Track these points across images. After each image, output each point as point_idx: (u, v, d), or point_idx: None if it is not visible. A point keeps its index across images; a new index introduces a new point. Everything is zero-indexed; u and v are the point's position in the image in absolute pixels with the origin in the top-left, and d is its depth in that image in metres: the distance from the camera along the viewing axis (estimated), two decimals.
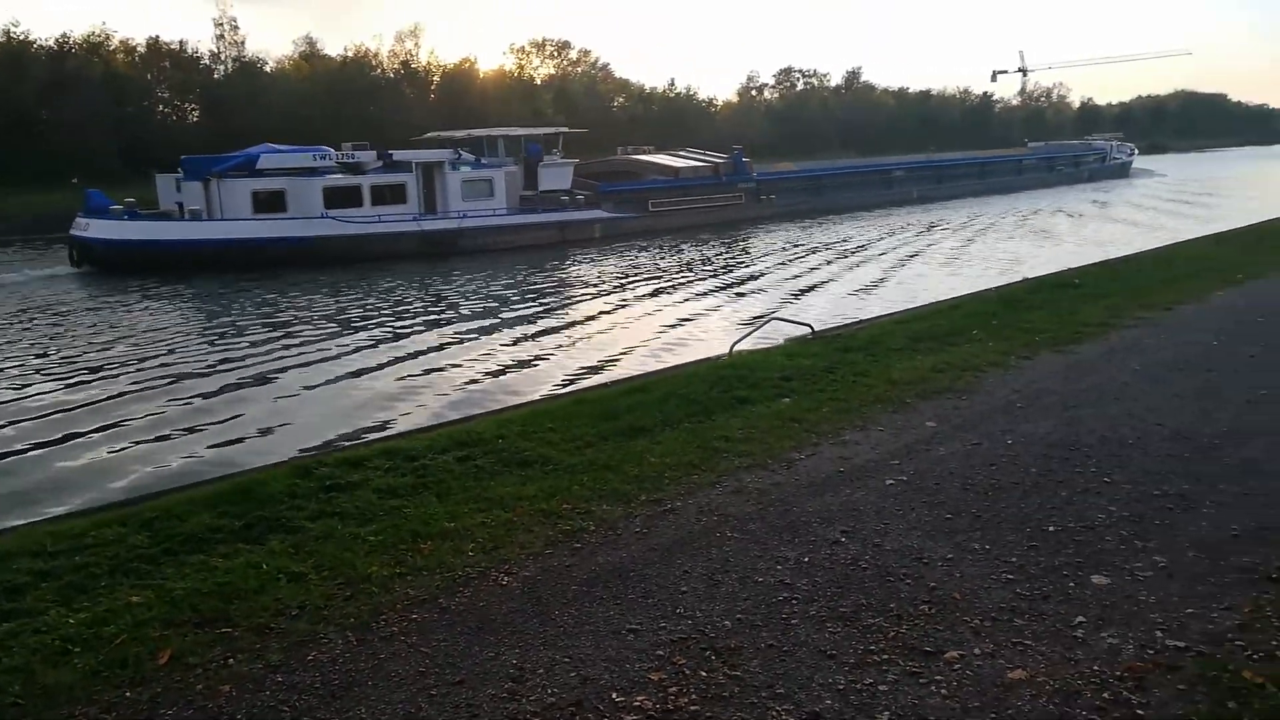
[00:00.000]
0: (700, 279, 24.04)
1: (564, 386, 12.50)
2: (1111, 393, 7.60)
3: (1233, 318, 10.53)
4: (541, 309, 20.26)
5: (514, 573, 4.62)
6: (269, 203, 27.67)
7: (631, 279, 24.38)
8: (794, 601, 4.27)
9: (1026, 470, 5.87)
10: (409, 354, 15.66)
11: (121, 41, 54.72)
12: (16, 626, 4.18)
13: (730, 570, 4.60)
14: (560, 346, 16.19)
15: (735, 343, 11.38)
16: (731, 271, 25.46)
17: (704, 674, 3.71)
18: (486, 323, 18.73)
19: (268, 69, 61.12)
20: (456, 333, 17.65)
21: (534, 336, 17.11)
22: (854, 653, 3.82)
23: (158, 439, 11.11)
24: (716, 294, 21.56)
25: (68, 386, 13.90)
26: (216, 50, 58.84)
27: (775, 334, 12.41)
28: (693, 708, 3.49)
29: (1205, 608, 4.08)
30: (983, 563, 4.60)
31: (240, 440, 10.96)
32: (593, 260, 28.75)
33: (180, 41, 57.35)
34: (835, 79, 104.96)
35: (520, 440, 6.74)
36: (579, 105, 70.53)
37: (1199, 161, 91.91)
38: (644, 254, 29.87)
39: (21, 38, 50.14)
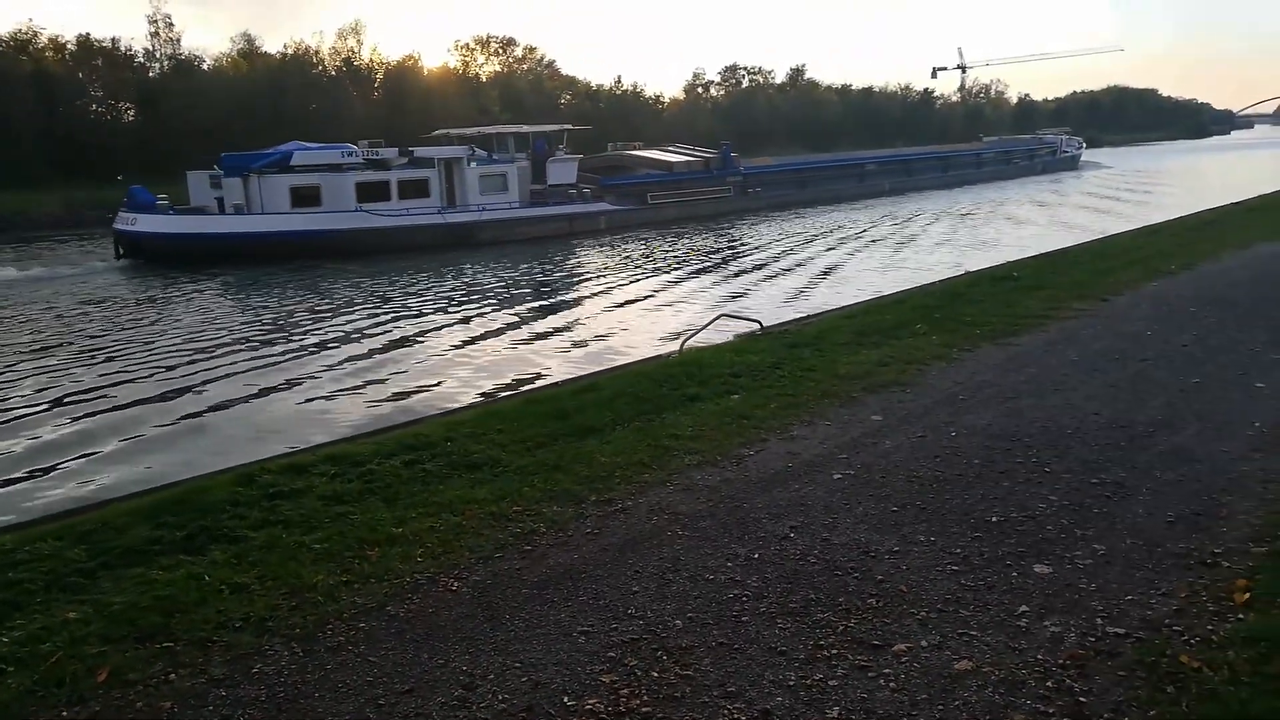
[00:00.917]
0: (680, 271, 24.65)
1: (522, 383, 12.49)
2: (1050, 383, 7.77)
3: (1166, 308, 10.84)
4: (525, 303, 20.46)
5: (464, 577, 4.57)
6: (305, 197, 28.99)
7: (618, 272, 24.95)
8: (744, 599, 4.29)
9: (969, 462, 5.98)
10: (386, 351, 15.67)
11: (50, 39, 52.92)
12: None
13: (681, 569, 4.61)
14: (531, 342, 16.26)
15: (686, 339, 11.42)
16: (710, 264, 26.05)
17: (655, 674, 3.71)
18: (470, 316, 18.88)
19: (205, 67, 59.61)
20: (439, 327, 17.82)
21: (509, 331, 17.23)
22: (804, 648, 3.86)
23: (106, 442, 10.83)
24: (694, 286, 22.03)
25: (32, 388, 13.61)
26: (151, 48, 57.26)
27: (727, 330, 12.47)
28: (644, 709, 3.49)
29: (1143, 594, 4.19)
30: (928, 554, 4.67)
31: (194, 444, 10.71)
32: (592, 252, 29.85)
33: (113, 39, 55.69)
34: (780, 76, 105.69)
35: (470, 442, 6.68)
36: (525, 102, 70.04)
37: (1139, 154, 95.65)
38: (639, 246, 30.84)
39: None
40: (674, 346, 11.60)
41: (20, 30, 51.19)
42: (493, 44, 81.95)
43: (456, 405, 10.64)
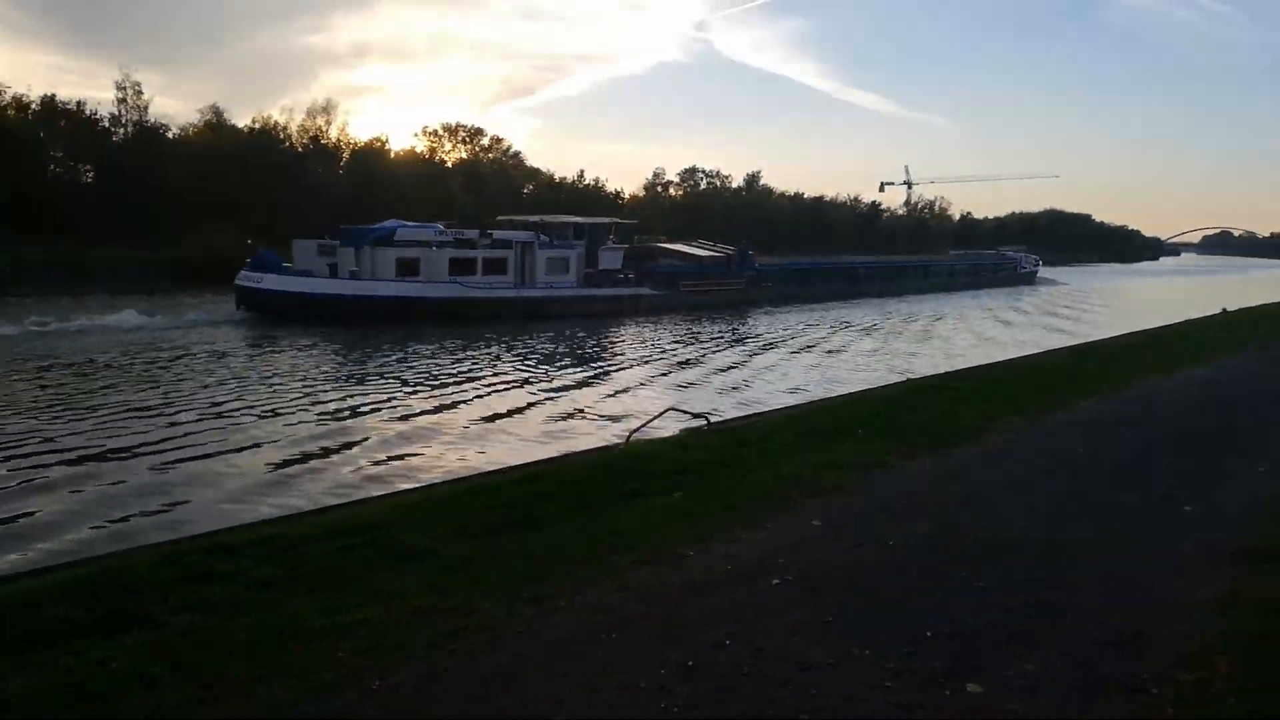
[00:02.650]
0: (675, 356, 27.04)
1: (470, 466, 12.46)
2: (986, 497, 7.89)
3: (1099, 427, 11.14)
4: (528, 380, 21.69)
5: (387, 677, 4.40)
6: (407, 268, 33.59)
7: (623, 353, 27.73)
8: (674, 709, 4.20)
9: (905, 573, 6.00)
10: (373, 420, 16.23)
11: (14, 98, 52.56)
12: None
13: (612, 675, 4.51)
14: (508, 418, 16.79)
15: (633, 431, 11.43)
16: (707, 350, 28.57)
17: None
18: (475, 389, 20.01)
19: (171, 135, 59.55)
20: (440, 397, 18.82)
21: (495, 406, 17.94)
22: None
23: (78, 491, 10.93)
24: (676, 372, 23.66)
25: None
26: (118, 113, 57.04)
27: (674, 423, 12.50)
28: None
29: None
30: (861, 669, 4.64)
31: (150, 504, 10.75)
32: (621, 331, 33.48)
33: (78, 102, 55.52)
34: (737, 181, 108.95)
35: (407, 529, 6.55)
36: (489, 190, 71.02)
37: (1083, 274, 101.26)
38: (660, 329, 34.46)
39: None
40: (622, 436, 11.61)
41: None
42: (461, 132, 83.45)
43: (406, 486, 10.63)
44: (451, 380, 20.94)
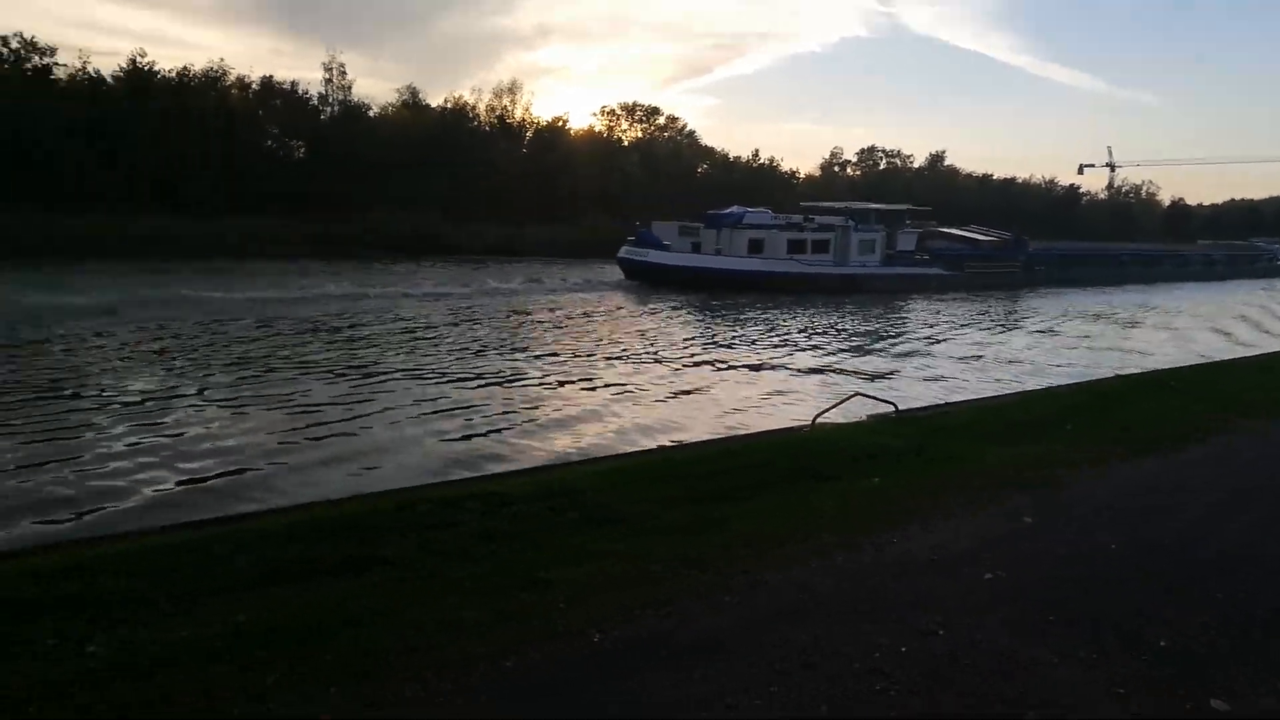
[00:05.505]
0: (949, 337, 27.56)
1: (671, 435, 12.62)
2: (1214, 502, 7.31)
3: None
4: (790, 347, 23.05)
5: (609, 632, 4.60)
6: (756, 247, 40.66)
7: (906, 329, 28.88)
8: (891, 692, 4.15)
9: (1129, 577, 5.66)
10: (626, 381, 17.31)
11: (237, 78, 57.44)
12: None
13: (825, 651, 4.51)
14: (730, 391, 17.09)
15: (818, 415, 11.31)
16: (972, 329, 29.55)
17: None
18: (757, 352, 21.61)
19: (371, 114, 63.48)
20: (720, 358, 20.36)
21: (740, 373, 18.80)
22: None
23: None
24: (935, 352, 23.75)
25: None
26: (325, 93, 61.37)
27: (859, 409, 12.28)
28: None
29: None
30: (1089, 672, 4.43)
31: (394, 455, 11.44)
32: (916, 305, 36.64)
33: (292, 82, 60.07)
34: (919, 161, 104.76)
35: (610, 496, 6.78)
36: (663, 169, 71.65)
37: None
38: (948, 307, 36.67)
39: (147, 68, 53.07)
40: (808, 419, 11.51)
41: (212, 68, 55.80)
42: (638, 111, 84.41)
43: (604, 454, 10.88)
44: (714, 346, 22.65)
